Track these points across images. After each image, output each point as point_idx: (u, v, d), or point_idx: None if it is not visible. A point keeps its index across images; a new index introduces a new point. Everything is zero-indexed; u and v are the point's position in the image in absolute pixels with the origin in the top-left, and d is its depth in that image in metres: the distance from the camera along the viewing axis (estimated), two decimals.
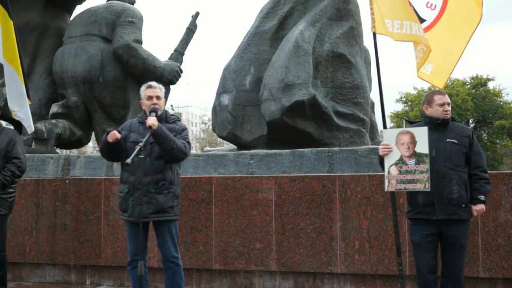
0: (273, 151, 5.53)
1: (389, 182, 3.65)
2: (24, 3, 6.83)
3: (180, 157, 3.77)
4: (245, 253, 4.89)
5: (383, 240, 4.60)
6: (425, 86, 33.30)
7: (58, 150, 7.26)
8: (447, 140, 3.58)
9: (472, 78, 34.62)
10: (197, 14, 7.36)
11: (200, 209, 5.03)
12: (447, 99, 3.66)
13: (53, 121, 6.52)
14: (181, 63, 7.14)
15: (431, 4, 4.65)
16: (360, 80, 5.93)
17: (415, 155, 3.55)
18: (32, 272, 5.55)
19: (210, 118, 7.12)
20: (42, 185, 5.51)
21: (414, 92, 35.20)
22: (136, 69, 6.53)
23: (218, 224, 4.97)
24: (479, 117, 33.73)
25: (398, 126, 29.36)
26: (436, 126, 3.64)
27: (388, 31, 4.30)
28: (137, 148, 3.50)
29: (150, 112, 3.73)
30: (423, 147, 3.53)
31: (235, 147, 6.41)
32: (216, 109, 6.25)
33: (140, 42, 6.63)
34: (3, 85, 6.71)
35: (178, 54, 7.18)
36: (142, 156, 3.53)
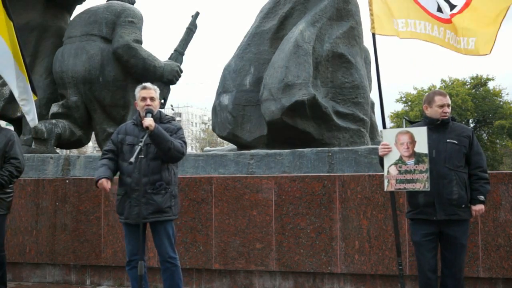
0: (273, 151, 5.53)
1: (388, 182, 3.66)
2: (24, 3, 6.83)
3: (178, 157, 3.77)
4: (245, 253, 4.89)
5: (383, 240, 4.60)
6: (425, 86, 33.39)
7: (58, 150, 7.26)
8: (447, 140, 3.58)
9: (472, 78, 34.64)
10: (197, 14, 7.36)
11: (200, 209, 5.03)
12: (447, 100, 3.66)
13: (53, 121, 6.52)
14: (181, 63, 7.15)
15: None
16: (360, 80, 5.93)
17: (414, 155, 3.56)
18: (32, 272, 5.55)
19: (210, 118, 7.12)
20: (42, 185, 5.51)
21: (414, 92, 35.23)
22: (136, 69, 6.53)
23: (218, 224, 4.97)
24: (479, 117, 33.74)
25: (398, 126, 29.36)
26: (436, 126, 3.64)
27: (393, 28, 4.33)
28: (137, 148, 3.51)
29: (146, 113, 3.72)
30: (422, 147, 3.53)
31: (235, 147, 6.41)
32: (216, 109, 6.25)
33: (140, 42, 6.63)
34: (3, 85, 6.72)
35: (178, 54, 7.18)
36: (142, 156, 3.54)
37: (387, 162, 3.66)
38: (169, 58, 7.10)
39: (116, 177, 3.96)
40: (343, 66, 5.92)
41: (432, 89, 32.29)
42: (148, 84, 3.92)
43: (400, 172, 3.60)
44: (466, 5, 4.48)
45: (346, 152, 5.31)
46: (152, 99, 3.83)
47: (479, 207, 3.57)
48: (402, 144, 3.60)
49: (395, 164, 3.63)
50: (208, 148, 7.91)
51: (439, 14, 4.45)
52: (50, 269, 5.51)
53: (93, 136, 7.20)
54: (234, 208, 4.94)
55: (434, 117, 3.66)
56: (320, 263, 4.72)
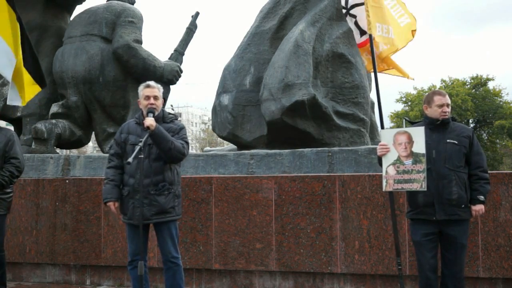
0: (273, 151, 5.53)
1: (386, 182, 3.67)
2: (24, 3, 6.82)
3: (179, 157, 3.77)
4: (245, 253, 4.89)
5: (383, 240, 4.60)
6: (425, 86, 33.38)
7: (58, 150, 7.26)
8: (447, 140, 3.58)
9: (472, 78, 34.65)
10: (197, 14, 7.36)
11: (200, 209, 5.04)
12: (446, 100, 3.66)
13: (53, 121, 6.52)
14: (181, 63, 7.14)
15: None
16: (360, 80, 5.93)
17: (412, 155, 3.57)
18: (32, 272, 5.55)
19: (210, 118, 7.11)
20: (42, 185, 5.51)
21: (414, 92, 35.24)
22: (136, 69, 6.52)
23: (218, 224, 4.97)
24: (479, 117, 33.75)
25: (398, 126, 29.37)
26: (436, 126, 3.65)
27: (377, 34, 4.45)
28: (137, 148, 3.50)
29: (148, 112, 3.72)
30: (420, 147, 3.55)
31: (235, 147, 6.41)
32: (216, 109, 6.25)
33: (140, 42, 6.62)
34: (3, 85, 6.71)
35: (178, 54, 7.17)
36: (142, 156, 3.54)
37: (386, 162, 3.67)
38: (169, 58, 7.10)
39: None
40: (343, 66, 5.92)
41: (432, 89, 32.31)
42: (152, 83, 3.91)
43: (398, 172, 3.62)
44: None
45: (346, 152, 5.31)
46: (155, 98, 3.82)
47: (479, 207, 3.58)
48: (400, 144, 3.62)
49: (393, 164, 3.64)
50: (208, 148, 7.90)
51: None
52: (50, 269, 5.51)
53: (93, 136, 7.19)
54: (234, 208, 4.94)
55: (433, 117, 3.66)
56: (320, 263, 4.72)
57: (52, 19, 7.10)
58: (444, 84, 35.15)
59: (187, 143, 3.85)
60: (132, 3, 7.10)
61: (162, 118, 3.87)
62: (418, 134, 3.57)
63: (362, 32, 5.15)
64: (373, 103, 6.62)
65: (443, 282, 3.63)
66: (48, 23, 7.04)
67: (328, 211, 4.74)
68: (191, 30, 7.30)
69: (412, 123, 3.99)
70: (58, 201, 5.43)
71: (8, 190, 4.38)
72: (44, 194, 5.48)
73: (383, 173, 3.68)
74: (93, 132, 7.01)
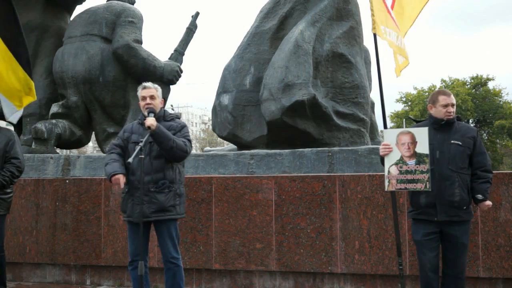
0: (273, 151, 5.53)
1: (389, 182, 3.66)
2: (24, 3, 6.82)
3: (181, 155, 3.78)
4: (245, 253, 4.89)
5: (383, 240, 4.60)
6: (425, 86, 33.36)
7: (58, 150, 7.26)
8: (452, 141, 3.56)
9: (472, 78, 34.64)
10: (197, 14, 7.36)
11: (200, 209, 5.03)
12: (451, 100, 3.64)
13: (53, 121, 6.52)
14: (181, 63, 7.14)
15: None
16: (360, 80, 5.93)
17: (415, 155, 3.56)
18: (32, 272, 5.55)
19: (210, 118, 7.11)
20: (42, 185, 5.51)
21: (414, 92, 35.19)
22: (136, 69, 6.52)
23: (218, 224, 4.97)
24: (479, 117, 33.74)
25: (398, 126, 29.36)
26: (441, 126, 3.63)
27: (383, 36, 4.44)
28: (137, 148, 3.52)
29: (148, 112, 3.75)
30: (423, 147, 3.53)
31: (235, 147, 6.41)
32: (216, 109, 6.25)
33: (140, 42, 6.63)
34: None
35: (178, 54, 7.17)
36: (143, 156, 3.55)
37: (388, 162, 3.66)
38: (169, 58, 7.10)
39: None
40: (343, 66, 5.92)
41: (433, 89, 32.36)
42: (147, 84, 3.94)
43: (401, 172, 3.60)
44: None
45: (346, 152, 5.31)
46: (152, 97, 3.84)
47: (483, 206, 3.58)
48: (403, 145, 3.60)
49: (396, 164, 3.63)
50: (208, 148, 7.90)
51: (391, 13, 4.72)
52: (50, 269, 5.51)
53: (93, 136, 7.20)
54: (234, 208, 4.94)
55: (438, 117, 3.64)
56: (320, 263, 4.72)
57: (52, 19, 7.11)
58: (444, 84, 35.14)
59: (189, 141, 3.86)
60: (132, 3, 7.11)
61: (163, 117, 3.89)
62: (422, 134, 3.56)
63: None
64: (373, 103, 6.62)
65: (444, 282, 3.62)
66: (48, 23, 7.04)
67: (328, 211, 4.74)
68: (191, 30, 7.30)
69: (416, 121, 3.97)
70: (58, 201, 5.43)
71: (8, 190, 4.38)
72: (44, 194, 5.48)
73: (386, 173, 3.67)
74: (93, 132, 7.01)
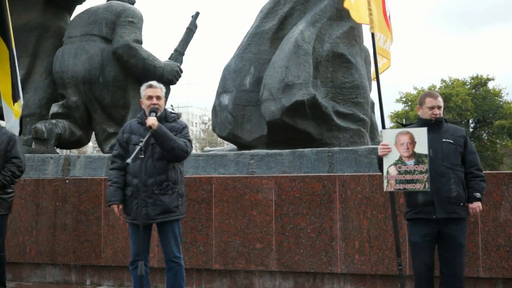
0: (273, 151, 5.53)
1: (388, 182, 3.66)
2: (24, 3, 6.83)
3: (182, 155, 3.77)
4: (245, 253, 4.89)
5: (383, 240, 4.60)
6: (425, 86, 33.36)
7: (58, 150, 7.27)
8: (443, 140, 3.61)
9: (472, 78, 34.65)
10: (197, 14, 7.36)
11: (200, 209, 5.04)
12: (437, 102, 3.66)
13: (53, 121, 6.52)
14: (181, 63, 7.14)
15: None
16: (360, 80, 5.93)
17: (414, 155, 3.56)
18: (32, 272, 5.55)
19: (210, 118, 7.11)
20: (42, 185, 5.51)
21: (414, 92, 35.22)
22: (136, 69, 6.52)
23: (218, 224, 4.97)
24: (479, 117, 33.75)
25: (398, 127, 29.36)
26: (431, 126, 3.65)
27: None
28: (137, 148, 3.51)
29: (150, 112, 3.73)
30: (422, 147, 3.53)
31: (235, 147, 6.41)
32: (216, 109, 6.25)
33: (140, 42, 6.63)
34: None
35: (178, 54, 7.17)
36: (143, 156, 3.54)
37: (387, 162, 3.66)
38: (169, 58, 7.10)
39: None
40: (343, 66, 5.92)
41: (432, 89, 32.37)
42: (154, 83, 3.91)
43: (399, 173, 3.61)
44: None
45: (346, 152, 5.32)
46: (158, 97, 3.82)
47: (476, 205, 3.59)
48: (402, 145, 3.61)
49: (395, 164, 3.63)
50: (208, 148, 7.90)
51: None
52: (50, 269, 5.51)
53: (93, 136, 7.20)
54: (234, 208, 4.94)
55: (425, 118, 3.68)
56: (320, 263, 4.72)
57: (52, 19, 7.11)
58: (444, 84, 35.16)
59: (189, 141, 3.86)
60: (132, 3, 7.11)
61: (165, 117, 3.87)
62: (421, 134, 3.56)
63: None
64: (373, 103, 6.61)
65: (443, 282, 3.62)
66: (48, 23, 7.04)
67: (328, 211, 4.74)
68: (191, 30, 7.30)
69: (404, 125, 3.97)
70: (58, 201, 5.43)
71: (9, 190, 4.39)
72: (44, 194, 5.48)
73: (384, 173, 3.67)
74: (93, 132, 7.01)
